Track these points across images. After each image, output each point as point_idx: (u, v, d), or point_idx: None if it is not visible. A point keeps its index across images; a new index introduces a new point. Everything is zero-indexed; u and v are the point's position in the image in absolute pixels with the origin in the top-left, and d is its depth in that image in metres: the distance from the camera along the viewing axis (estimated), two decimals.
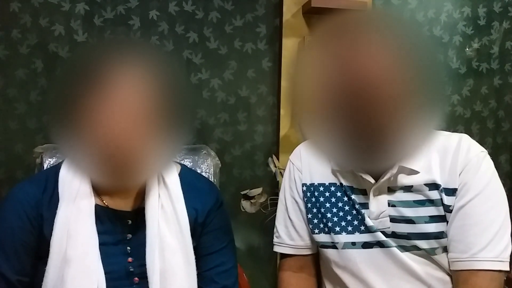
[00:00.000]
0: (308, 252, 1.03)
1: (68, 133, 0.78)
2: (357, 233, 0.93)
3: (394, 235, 0.91)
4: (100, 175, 0.85)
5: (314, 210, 0.99)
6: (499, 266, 0.84)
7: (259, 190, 1.68)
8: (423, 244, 0.89)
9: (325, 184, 0.98)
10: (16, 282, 0.86)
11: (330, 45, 0.78)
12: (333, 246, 0.96)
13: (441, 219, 0.88)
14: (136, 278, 0.89)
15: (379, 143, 0.77)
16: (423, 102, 0.76)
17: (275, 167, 1.69)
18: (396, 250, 0.91)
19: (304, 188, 1.01)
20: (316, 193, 0.99)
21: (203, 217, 0.95)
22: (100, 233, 0.87)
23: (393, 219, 0.91)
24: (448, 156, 0.89)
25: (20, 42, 1.58)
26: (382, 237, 0.91)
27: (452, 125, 1.97)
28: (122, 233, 0.91)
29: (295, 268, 1.03)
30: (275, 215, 1.07)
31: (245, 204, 1.67)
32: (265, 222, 1.69)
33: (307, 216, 1.00)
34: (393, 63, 0.74)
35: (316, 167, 1.00)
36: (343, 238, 0.94)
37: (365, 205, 0.93)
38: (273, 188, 1.77)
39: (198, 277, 0.93)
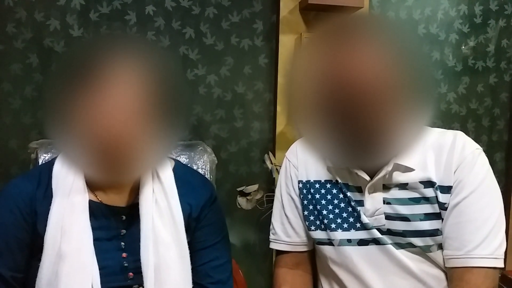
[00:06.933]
0: (304, 248, 1.03)
1: (63, 128, 0.78)
2: (352, 230, 0.94)
3: (389, 232, 0.91)
4: (95, 170, 0.84)
5: (310, 207, 0.99)
6: (493, 263, 0.84)
7: (255, 187, 1.68)
8: (418, 241, 0.89)
9: (321, 181, 0.99)
10: (10, 278, 0.85)
11: (325, 44, 0.79)
12: (329, 242, 0.96)
13: (436, 216, 0.89)
14: (131, 273, 0.89)
15: (372, 140, 0.78)
16: (415, 100, 0.77)
17: (271, 163, 1.68)
18: (391, 247, 0.91)
19: (300, 185, 1.01)
20: (312, 190, 0.99)
21: (197, 212, 0.95)
22: (94, 228, 0.87)
23: (388, 217, 0.91)
24: (443, 153, 0.89)
25: (15, 36, 1.56)
26: (377, 234, 0.92)
27: (448, 123, 1.98)
28: (116, 228, 0.91)
29: (291, 264, 1.04)
30: (271, 211, 1.07)
31: (241, 201, 1.67)
32: (261, 218, 1.70)
33: (303, 213, 1.00)
34: (385, 63, 0.75)
35: (312, 164, 1.00)
36: (339, 235, 0.94)
37: (361, 203, 0.93)
38: (269, 184, 1.77)
39: (192, 272, 0.93)
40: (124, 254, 0.90)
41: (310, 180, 1.00)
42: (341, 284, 0.97)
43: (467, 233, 0.85)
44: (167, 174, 0.94)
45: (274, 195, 1.08)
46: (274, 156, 1.73)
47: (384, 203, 0.91)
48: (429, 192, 0.89)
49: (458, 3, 1.93)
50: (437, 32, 1.93)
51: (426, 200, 0.89)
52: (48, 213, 0.85)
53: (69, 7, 1.59)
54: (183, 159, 1.23)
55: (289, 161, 1.04)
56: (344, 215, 0.95)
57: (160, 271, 0.87)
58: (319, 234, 0.98)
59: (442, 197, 0.88)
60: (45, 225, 0.85)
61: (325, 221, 0.96)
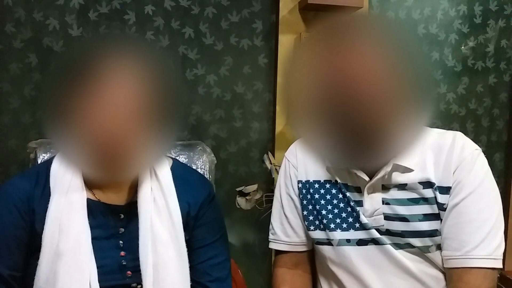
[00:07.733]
0: (303, 248, 1.03)
1: (61, 127, 0.78)
2: (352, 230, 0.94)
3: (388, 232, 0.91)
4: (93, 168, 0.85)
5: (310, 207, 0.99)
6: (492, 264, 0.84)
7: (254, 187, 1.68)
8: (417, 242, 0.89)
9: (320, 181, 0.99)
10: (8, 277, 0.86)
11: (324, 44, 0.79)
12: (329, 242, 0.96)
13: (435, 217, 0.89)
14: (129, 272, 0.89)
15: (371, 141, 0.78)
16: (414, 100, 0.77)
17: (271, 163, 1.68)
18: (390, 248, 0.91)
19: (300, 185, 1.01)
20: (311, 190, 0.99)
21: (195, 211, 0.96)
22: (92, 227, 0.87)
23: (387, 217, 0.91)
24: (442, 154, 0.89)
25: (14, 36, 1.56)
26: (376, 235, 0.92)
27: (447, 123, 1.98)
28: (115, 227, 0.91)
29: (290, 264, 1.04)
30: (271, 211, 1.07)
31: (240, 201, 1.67)
32: (260, 218, 1.69)
33: (303, 213, 1.00)
34: (384, 63, 0.75)
35: (311, 164, 1.00)
36: (338, 235, 0.94)
37: (360, 203, 0.93)
38: (268, 184, 1.77)
39: (191, 270, 0.94)
40: (122, 253, 0.90)
41: (309, 180, 1.00)
42: (340, 284, 0.97)
43: (466, 233, 0.85)
44: (165, 172, 0.94)
45: (273, 195, 1.08)
46: (274, 156, 1.73)
47: (383, 204, 0.91)
48: (428, 193, 0.89)
49: (457, 3, 1.93)
50: (436, 32, 1.93)
51: (425, 200, 0.89)
52: (46, 211, 0.85)
53: (68, 7, 1.59)
54: (182, 159, 1.23)
55: (288, 161, 1.04)
56: (343, 215, 0.95)
57: (158, 270, 0.88)
58: (318, 234, 0.98)
59: (441, 198, 0.88)
60: (43, 224, 0.85)
61: (324, 221, 0.96)
